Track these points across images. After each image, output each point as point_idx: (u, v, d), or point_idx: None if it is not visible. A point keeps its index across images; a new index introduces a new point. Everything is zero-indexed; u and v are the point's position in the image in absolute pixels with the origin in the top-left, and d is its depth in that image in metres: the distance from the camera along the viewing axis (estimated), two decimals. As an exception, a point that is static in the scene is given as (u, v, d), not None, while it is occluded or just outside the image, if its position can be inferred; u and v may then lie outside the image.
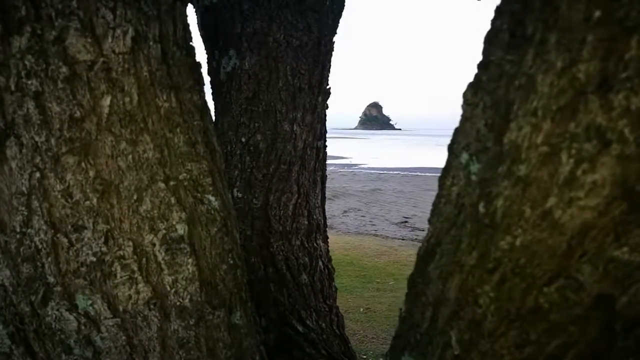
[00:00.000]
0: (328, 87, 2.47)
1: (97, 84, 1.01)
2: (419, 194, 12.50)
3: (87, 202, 1.04)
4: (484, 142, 0.97)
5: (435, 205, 1.19)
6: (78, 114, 1.00)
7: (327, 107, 2.53)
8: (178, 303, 1.17)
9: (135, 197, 1.08)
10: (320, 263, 2.28)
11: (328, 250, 2.38)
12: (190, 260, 1.17)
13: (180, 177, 1.15)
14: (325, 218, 2.45)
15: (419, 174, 19.21)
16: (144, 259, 1.12)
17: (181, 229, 1.15)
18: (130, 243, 1.10)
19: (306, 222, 2.30)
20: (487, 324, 0.91)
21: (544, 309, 0.82)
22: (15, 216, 1.02)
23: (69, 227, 1.05)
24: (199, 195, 1.19)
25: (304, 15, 2.28)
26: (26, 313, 1.09)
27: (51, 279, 1.07)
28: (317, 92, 2.39)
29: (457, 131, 1.09)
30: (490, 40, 0.98)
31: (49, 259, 1.06)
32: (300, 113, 2.31)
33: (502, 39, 0.92)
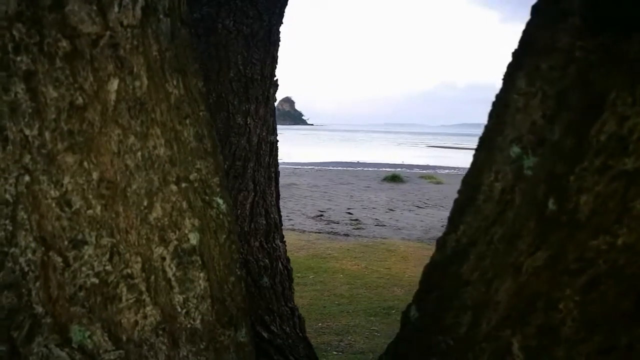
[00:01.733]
0: (276, 78, 2.34)
1: (103, 63, 0.81)
2: (333, 187, 12.67)
3: (90, 211, 0.84)
4: (542, 134, 0.92)
5: (466, 203, 1.13)
6: (80, 101, 0.79)
7: (275, 100, 2.40)
8: (189, 325, 1.00)
9: (145, 202, 0.89)
10: (280, 264, 2.15)
11: (286, 250, 2.25)
12: (201, 275, 1.00)
13: (191, 177, 0.97)
14: (280, 216, 2.31)
15: (331, 168, 19.49)
16: (153, 277, 0.93)
17: (194, 239, 0.98)
18: (139, 259, 0.90)
19: (264, 222, 2.15)
20: (566, 330, 0.86)
21: None
22: (-5, 232, 0.79)
23: (66, 242, 0.83)
24: (207, 198, 1.02)
25: (253, 2, 2.13)
26: (2, 353, 0.86)
27: (39, 309, 0.85)
28: (269, 84, 2.25)
29: (499, 124, 1.03)
30: (548, 25, 0.92)
31: (37, 284, 0.84)
32: (254, 105, 2.16)
33: (572, 24, 0.87)
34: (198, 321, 1.01)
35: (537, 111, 0.92)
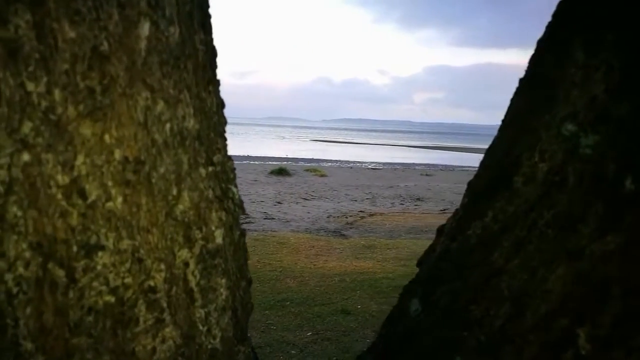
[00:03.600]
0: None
1: (132, -2, 0.57)
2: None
3: (110, 204, 0.59)
4: (605, 111, 0.87)
5: (494, 187, 1.05)
6: (105, 47, 0.55)
7: None
8: (209, 346, 0.79)
9: (174, 191, 0.67)
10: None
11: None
12: (223, 282, 0.80)
13: (215, 159, 0.76)
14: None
15: None
16: (174, 289, 0.71)
17: (219, 237, 0.77)
18: (162, 266, 0.68)
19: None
20: None
21: None
22: (-25, 238, 0.52)
23: (74, 249, 0.58)
24: (224, 185, 0.81)
25: None
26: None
27: (28, 345, 0.59)
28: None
29: (541, 101, 0.96)
30: None
31: (28, 311, 0.58)
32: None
33: None
34: (218, 339, 0.80)
35: (599, 85, 0.86)
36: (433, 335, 1.15)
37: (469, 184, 1.13)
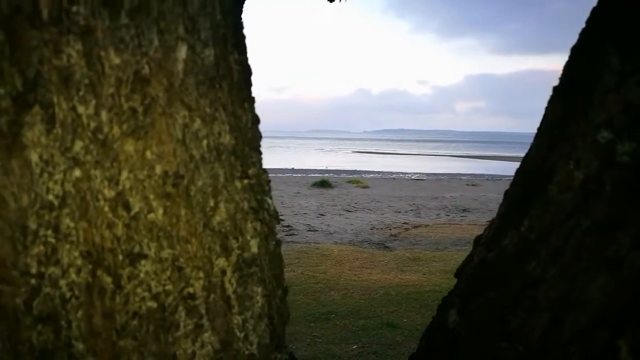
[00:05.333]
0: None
1: (171, 24, 0.62)
2: None
3: (151, 216, 0.64)
4: None
5: (529, 195, 1.05)
6: (146, 71, 0.60)
7: None
8: (246, 352, 0.82)
9: (211, 203, 0.71)
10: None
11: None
12: (260, 290, 0.83)
13: (250, 172, 0.80)
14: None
15: None
16: (212, 296, 0.75)
17: (255, 246, 0.81)
18: (201, 274, 0.72)
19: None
20: None
21: None
22: (32, 247, 0.57)
23: (120, 257, 0.63)
24: (259, 197, 0.85)
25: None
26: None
27: (79, 346, 0.64)
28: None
29: (576, 109, 0.96)
30: None
31: (79, 314, 0.63)
32: None
33: None
34: (255, 346, 0.83)
35: (635, 90, 0.85)
36: (471, 346, 1.15)
37: (506, 192, 1.13)
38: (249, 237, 0.79)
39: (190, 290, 0.71)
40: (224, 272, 0.76)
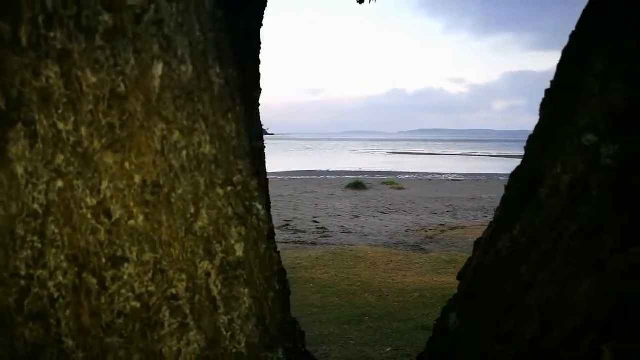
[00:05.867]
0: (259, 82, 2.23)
1: (146, 43, 0.67)
2: (297, 196, 12.50)
3: (132, 222, 0.69)
4: (625, 120, 0.85)
5: (521, 199, 1.05)
6: (122, 89, 0.65)
7: (259, 105, 2.29)
8: (234, 350, 0.86)
9: (192, 209, 0.76)
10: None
11: (281, 261, 2.12)
12: (246, 291, 0.87)
13: (235, 179, 0.84)
14: (273, 226, 2.18)
15: (295, 177, 19.26)
16: (197, 297, 0.80)
17: (240, 250, 0.85)
18: (184, 276, 0.77)
19: (259, 231, 2.02)
20: None
21: None
22: (21, 252, 0.63)
23: (103, 260, 0.69)
24: (247, 203, 0.89)
25: (232, 6, 2.02)
26: (23, 401, 0.70)
27: (69, 342, 0.70)
28: (253, 87, 2.14)
29: (564, 111, 0.96)
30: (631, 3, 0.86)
31: (68, 313, 0.69)
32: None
33: None
34: (243, 344, 0.88)
35: (617, 94, 0.85)
36: (470, 348, 1.16)
37: (503, 196, 1.13)
38: (233, 242, 0.83)
39: (174, 291, 0.76)
40: (208, 275, 0.80)
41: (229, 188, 0.82)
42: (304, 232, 8.07)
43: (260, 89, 2.22)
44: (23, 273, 0.64)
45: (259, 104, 2.28)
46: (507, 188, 1.11)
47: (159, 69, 0.69)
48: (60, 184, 0.63)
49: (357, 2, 3.85)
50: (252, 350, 0.90)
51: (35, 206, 0.63)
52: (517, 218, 1.04)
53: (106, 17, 0.63)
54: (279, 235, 7.87)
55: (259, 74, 2.21)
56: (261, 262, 0.93)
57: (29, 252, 0.63)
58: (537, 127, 1.03)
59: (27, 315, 0.66)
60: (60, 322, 0.68)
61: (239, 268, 0.85)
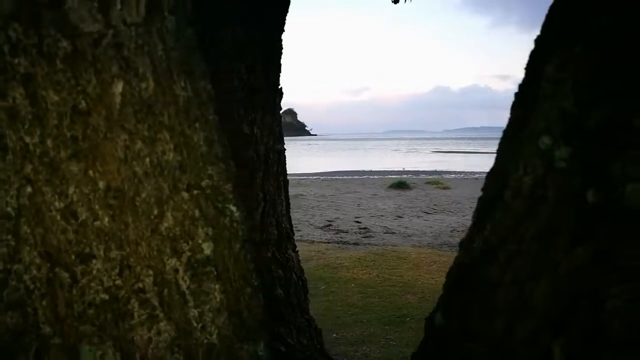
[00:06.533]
0: (280, 87, 2.30)
1: (106, 64, 0.76)
2: (340, 196, 12.57)
3: (97, 223, 0.78)
4: (576, 123, 0.86)
5: (492, 200, 1.07)
6: (83, 105, 0.74)
7: (281, 109, 2.37)
8: (205, 340, 0.94)
9: (155, 211, 0.84)
10: (294, 275, 2.09)
11: (299, 260, 2.19)
12: (217, 287, 0.95)
13: (203, 183, 0.92)
14: (292, 226, 2.26)
15: (338, 177, 19.37)
16: (166, 291, 0.88)
17: (207, 249, 0.92)
18: (150, 272, 0.85)
19: (275, 232, 2.10)
20: (615, 333, 0.79)
21: None
22: (-3, 249, 0.74)
23: (72, 257, 0.78)
24: (220, 205, 0.97)
25: (255, 12, 2.10)
26: (8, 379, 0.80)
27: (47, 329, 0.79)
28: (274, 92, 2.22)
29: (526, 114, 0.97)
30: (586, 5, 0.87)
31: (44, 303, 0.78)
32: (260, 114, 2.11)
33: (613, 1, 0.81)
34: (215, 336, 0.95)
35: (568, 98, 0.86)
36: (453, 347, 1.18)
37: (479, 196, 1.15)
38: (200, 241, 0.91)
39: (141, 285, 0.84)
40: (176, 271, 0.88)
41: (195, 192, 0.90)
42: (346, 232, 8.11)
43: (281, 94, 2.30)
44: (1, 267, 0.74)
45: (281, 108, 2.36)
46: (482, 188, 1.13)
47: (119, 86, 0.77)
48: (29, 189, 0.73)
49: (392, 2, 3.86)
50: (225, 341, 0.97)
51: (9, 209, 0.73)
52: (488, 219, 1.06)
53: (65, 43, 0.71)
54: (321, 235, 7.95)
55: (279, 81, 2.29)
56: (236, 260, 1.00)
57: (4, 249, 0.73)
58: (506, 128, 1.05)
59: (6, 304, 0.76)
60: (37, 311, 0.78)
61: (208, 265, 0.93)
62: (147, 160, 0.82)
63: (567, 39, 0.86)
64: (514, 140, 0.99)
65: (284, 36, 2.28)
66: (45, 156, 0.73)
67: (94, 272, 0.80)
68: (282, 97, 2.31)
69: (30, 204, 0.74)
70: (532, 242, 0.94)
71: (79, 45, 0.73)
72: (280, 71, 2.30)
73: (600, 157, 0.80)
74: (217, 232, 0.95)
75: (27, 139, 0.72)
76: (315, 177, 19.29)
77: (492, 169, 1.08)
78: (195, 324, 0.92)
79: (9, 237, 0.74)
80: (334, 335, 4.55)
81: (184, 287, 0.90)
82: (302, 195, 12.40)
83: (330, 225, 8.68)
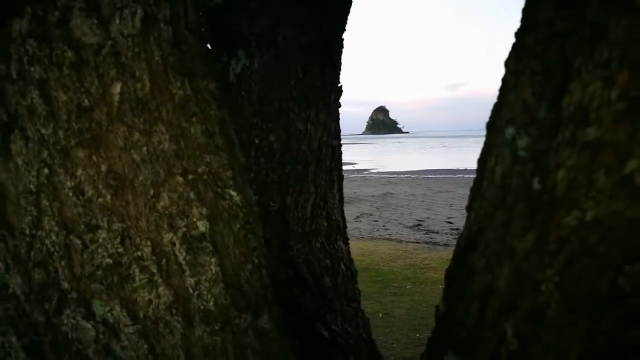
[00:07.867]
0: (340, 85, 2.40)
1: (106, 69, 0.93)
2: (431, 196, 12.34)
3: (101, 199, 0.96)
4: (534, 113, 0.88)
5: (475, 190, 1.10)
6: (87, 103, 0.92)
7: (339, 106, 2.46)
8: (202, 307, 1.08)
9: (151, 192, 1.00)
10: (343, 265, 2.19)
11: (349, 252, 2.28)
12: (213, 260, 1.08)
13: (199, 170, 1.06)
14: (344, 219, 2.35)
15: (430, 176, 18.95)
16: (164, 260, 1.03)
17: (202, 226, 1.06)
18: (149, 243, 1.01)
19: (325, 223, 2.21)
20: (551, 313, 0.81)
21: (623, 292, 0.72)
22: (24, 217, 0.94)
23: (82, 227, 0.96)
24: (219, 190, 1.10)
25: (312, 13, 2.21)
26: (40, 323, 1.00)
27: (65, 285, 0.98)
28: (330, 90, 2.32)
29: (497, 105, 1.00)
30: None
31: (62, 263, 0.97)
32: (314, 111, 2.23)
33: None
34: (211, 303, 1.09)
35: (527, 89, 0.88)
36: (443, 332, 1.23)
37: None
38: (194, 219, 1.05)
39: (140, 253, 1.00)
40: (173, 244, 1.03)
41: (191, 176, 1.04)
42: (437, 232, 7.92)
43: (340, 92, 2.40)
44: (27, 232, 0.94)
45: (340, 105, 2.46)
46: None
47: (117, 87, 0.94)
48: (46, 170, 0.92)
49: None
50: (222, 309, 1.10)
51: (31, 186, 0.92)
52: (471, 208, 1.09)
53: (70, 53, 0.89)
54: (410, 235, 7.85)
55: (337, 79, 2.40)
56: (235, 238, 1.14)
57: (29, 218, 0.93)
58: (488, 119, 1.07)
59: (33, 262, 0.96)
60: (57, 270, 0.97)
61: (204, 240, 1.07)
62: (145, 148, 0.98)
63: (523, 31, 0.88)
64: (490, 131, 1.02)
65: (349, 37, 2.38)
66: (58, 144, 0.91)
67: (100, 240, 0.97)
68: (340, 95, 2.41)
69: (48, 183, 0.93)
70: (500, 229, 0.96)
71: (83, 54, 0.91)
72: (338, 70, 2.39)
73: (543, 145, 0.82)
74: (214, 213, 1.09)
75: (43, 130, 0.90)
76: (405, 176, 18.90)
77: (478, 160, 1.11)
78: (191, 291, 1.06)
79: (32, 208, 0.93)
80: (417, 335, 4.54)
81: (180, 258, 1.04)
82: (391, 193, 12.24)
83: (420, 225, 8.53)
